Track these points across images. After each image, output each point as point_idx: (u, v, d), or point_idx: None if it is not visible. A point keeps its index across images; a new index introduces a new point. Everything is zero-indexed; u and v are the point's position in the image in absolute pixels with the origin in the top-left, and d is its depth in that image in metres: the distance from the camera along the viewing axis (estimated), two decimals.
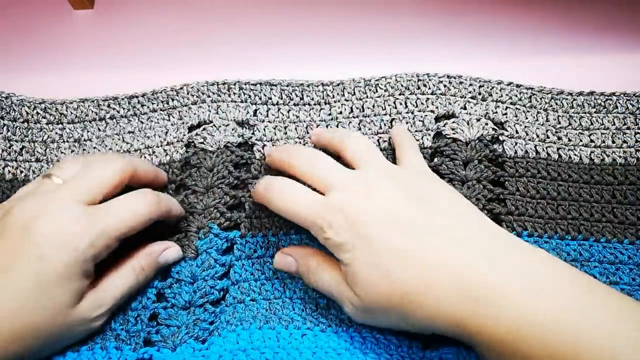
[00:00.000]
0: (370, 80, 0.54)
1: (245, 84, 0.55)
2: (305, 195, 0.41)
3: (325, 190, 0.41)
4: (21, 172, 0.51)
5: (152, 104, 0.54)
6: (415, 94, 0.53)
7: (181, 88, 0.54)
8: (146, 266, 0.43)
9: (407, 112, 0.52)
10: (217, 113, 0.53)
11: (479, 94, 0.53)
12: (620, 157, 0.50)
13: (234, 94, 0.54)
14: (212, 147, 0.51)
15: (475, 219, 0.40)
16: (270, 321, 0.43)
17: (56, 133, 0.53)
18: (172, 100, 0.54)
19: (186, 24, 0.63)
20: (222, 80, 0.55)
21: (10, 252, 0.38)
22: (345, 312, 0.40)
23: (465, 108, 0.52)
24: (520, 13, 0.61)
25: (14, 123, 0.53)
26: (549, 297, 0.34)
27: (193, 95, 0.54)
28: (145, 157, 0.52)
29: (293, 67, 0.57)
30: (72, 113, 0.54)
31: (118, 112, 0.54)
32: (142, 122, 0.54)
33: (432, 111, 0.52)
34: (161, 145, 0.52)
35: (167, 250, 0.45)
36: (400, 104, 0.52)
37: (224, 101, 0.54)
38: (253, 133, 0.52)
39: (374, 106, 0.53)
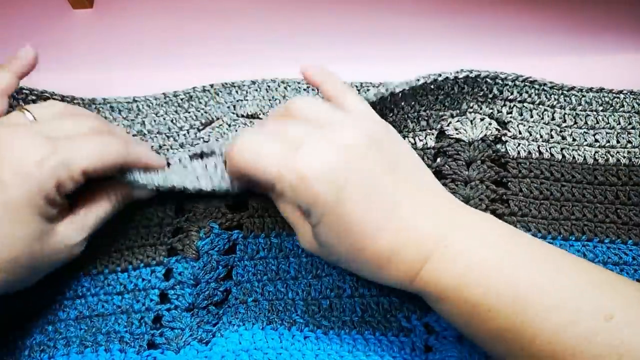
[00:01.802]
0: (378, 87, 0.52)
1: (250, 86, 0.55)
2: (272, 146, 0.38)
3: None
4: None
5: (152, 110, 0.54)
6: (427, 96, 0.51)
7: (189, 92, 0.55)
8: (119, 195, 0.45)
9: (412, 112, 0.51)
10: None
11: (490, 92, 0.51)
12: (624, 157, 0.50)
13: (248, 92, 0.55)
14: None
15: (429, 180, 0.40)
16: (273, 322, 0.43)
17: None
18: (179, 106, 0.54)
19: (186, 24, 0.63)
20: (211, 84, 0.55)
21: None
22: (299, 242, 0.41)
23: (470, 107, 0.51)
24: (526, 12, 0.60)
25: None
26: (492, 247, 0.36)
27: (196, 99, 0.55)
28: None
29: (296, 67, 0.57)
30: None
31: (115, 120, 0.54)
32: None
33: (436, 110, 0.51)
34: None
35: (138, 187, 0.45)
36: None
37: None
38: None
39: None
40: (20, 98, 0.51)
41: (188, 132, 0.52)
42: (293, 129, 0.38)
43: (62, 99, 0.54)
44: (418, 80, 0.49)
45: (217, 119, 0.53)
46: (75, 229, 0.41)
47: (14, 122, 0.41)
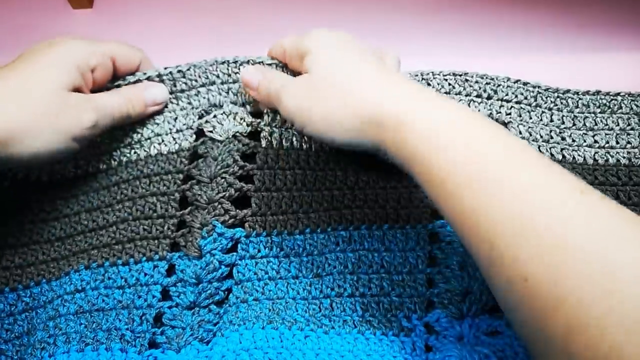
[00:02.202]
0: None
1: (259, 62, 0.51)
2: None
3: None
4: None
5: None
6: None
7: (188, 69, 0.51)
8: (133, 97, 0.49)
9: None
10: (228, 95, 0.51)
11: (484, 91, 0.52)
12: (624, 157, 0.50)
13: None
14: (220, 136, 0.50)
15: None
16: (273, 321, 0.43)
17: None
18: (180, 83, 0.52)
19: (186, 24, 0.63)
20: (232, 58, 0.52)
21: (22, 57, 0.45)
22: (283, 102, 0.44)
23: (469, 107, 0.51)
24: (526, 11, 0.61)
25: None
26: (471, 122, 0.37)
27: (201, 77, 0.51)
28: (154, 145, 0.51)
29: None
30: None
31: None
32: None
33: None
34: (170, 133, 0.51)
35: (152, 87, 0.51)
36: None
37: (234, 82, 0.51)
38: (262, 117, 0.50)
39: None
40: None
41: (186, 118, 0.51)
42: None
43: None
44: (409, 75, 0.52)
45: (220, 105, 0.52)
46: (88, 102, 0.45)
47: None
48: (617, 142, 0.51)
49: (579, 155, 0.50)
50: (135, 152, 0.51)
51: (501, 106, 0.52)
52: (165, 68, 0.52)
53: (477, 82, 0.52)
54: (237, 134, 0.50)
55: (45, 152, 0.43)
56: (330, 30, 0.45)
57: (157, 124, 0.51)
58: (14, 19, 0.64)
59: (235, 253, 0.46)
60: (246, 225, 0.47)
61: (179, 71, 0.51)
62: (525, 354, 0.42)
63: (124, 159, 0.51)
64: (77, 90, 0.45)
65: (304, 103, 0.42)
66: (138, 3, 0.64)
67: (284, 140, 0.50)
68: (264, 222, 0.47)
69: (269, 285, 0.45)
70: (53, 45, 0.45)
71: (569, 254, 0.30)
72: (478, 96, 0.52)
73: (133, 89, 0.50)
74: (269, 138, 0.50)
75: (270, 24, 0.62)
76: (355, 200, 0.48)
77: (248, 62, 0.51)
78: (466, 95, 0.52)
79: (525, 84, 0.53)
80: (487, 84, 0.52)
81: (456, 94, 0.52)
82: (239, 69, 0.51)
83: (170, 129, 0.51)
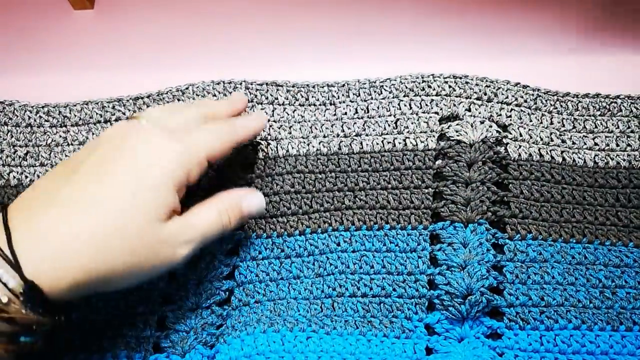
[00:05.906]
0: (375, 82, 0.54)
1: (251, 84, 0.54)
2: None
3: None
4: (26, 177, 0.51)
5: (158, 105, 0.54)
6: (420, 96, 0.52)
7: (187, 88, 0.54)
8: (229, 208, 0.42)
9: (411, 114, 0.52)
10: None
11: (485, 94, 0.52)
12: (624, 160, 0.50)
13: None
14: None
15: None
16: (274, 324, 0.43)
17: (60, 136, 0.53)
18: (178, 100, 0.54)
19: (187, 24, 0.63)
20: (227, 79, 0.55)
21: (105, 164, 0.38)
22: None
23: (469, 110, 0.52)
24: (525, 14, 0.61)
25: (17, 128, 0.53)
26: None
27: (198, 95, 0.54)
28: None
29: (297, 68, 0.57)
30: (75, 116, 0.54)
31: (124, 113, 0.54)
32: None
33: (436, 113, 0.52)
34: None
35: (250, 196, 0.44)
36: (405, 105, 0.52)
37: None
38: None
39: (378, 107, 0.52)
40: None
41: None
42: None
43: (45, 105, 0.55)
44: (406, 78, 0.53)
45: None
46: (183, 234, 0.39)
47: (138, 127, 0.41)
48: (617, 145, 0.51)
49: (579, 157, 0.50)
50: None
51: (501, 109, 0.52)
52: (166, 88, 0.55)
53: (477, 84, 0.52)
54: None
55: (127, 286, 0.39)
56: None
57: None
58: (14, 20, 0.64)
59: (236, 255, 0.47)
60: (246, 227, 0.48)
61: (177, 90, 0.54)
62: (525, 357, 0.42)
63: None
64: (173, 211, 0.40)
65: None
66: (140, 4, 0.64)
67: (280, 149, 0.51)
68: (264, 224, 0.48)
69: (270, 286, 0.45)
70: (145, 161, 0.39)
71: None
72: (478, 99, 0.52)
73: (229, 199, 0.43)
74: (266, 150, 0.51)
75: (271, 27, 0.62)
76: (356, 201, 0.48)
77: (241, 83, 0.54)
78: (466, 98, 0.52)
79: (525, 87, 0.53)
80: (487, 86, 0.53)
81: (456, 97, 0.52)
82: (234, 89, 0.54)
83: None
